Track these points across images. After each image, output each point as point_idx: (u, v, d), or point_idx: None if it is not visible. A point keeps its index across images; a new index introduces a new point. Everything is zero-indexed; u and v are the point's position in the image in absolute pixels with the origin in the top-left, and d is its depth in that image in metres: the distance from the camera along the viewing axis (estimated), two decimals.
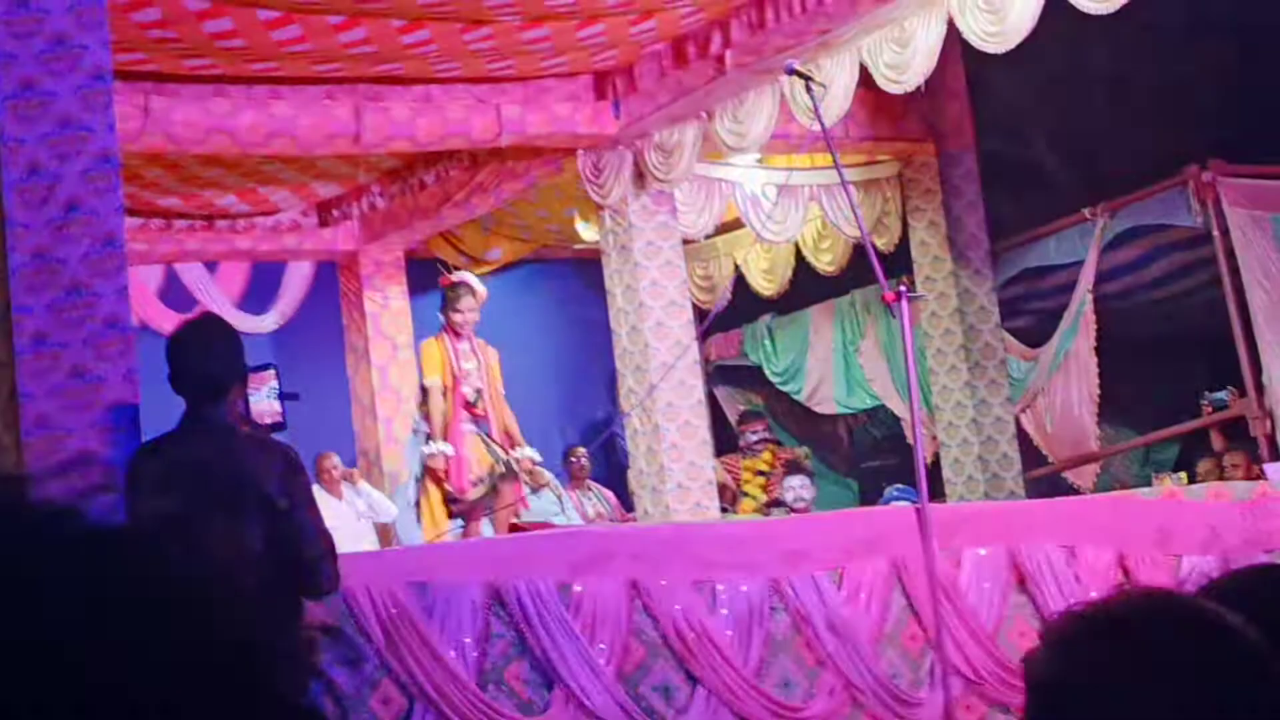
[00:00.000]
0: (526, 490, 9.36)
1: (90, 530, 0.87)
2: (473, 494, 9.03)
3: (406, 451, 9.83)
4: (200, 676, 0.85)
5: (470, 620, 6.30)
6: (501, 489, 9.08)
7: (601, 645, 6.47)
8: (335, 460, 11.22)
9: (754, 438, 12.38)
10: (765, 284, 13.06)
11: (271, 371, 9.24)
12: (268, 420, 8.72)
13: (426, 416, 9.20)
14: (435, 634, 6.19)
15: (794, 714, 6.83)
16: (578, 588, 6.53)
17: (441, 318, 9.33)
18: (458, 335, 9.18)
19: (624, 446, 11.75)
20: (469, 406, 9.09)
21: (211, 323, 5.33)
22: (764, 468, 12.10)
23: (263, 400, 8.87)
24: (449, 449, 9.01)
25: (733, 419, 13.59)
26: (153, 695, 0.83)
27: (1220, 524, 8.02)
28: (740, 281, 12.65)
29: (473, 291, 9.25)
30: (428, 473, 9.10)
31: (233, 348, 5.06)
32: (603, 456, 13.15)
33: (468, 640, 6.26)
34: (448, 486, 9.03)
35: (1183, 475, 10.97)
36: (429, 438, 9.12)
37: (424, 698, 6.13)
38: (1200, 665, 1.54)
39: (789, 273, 12.92)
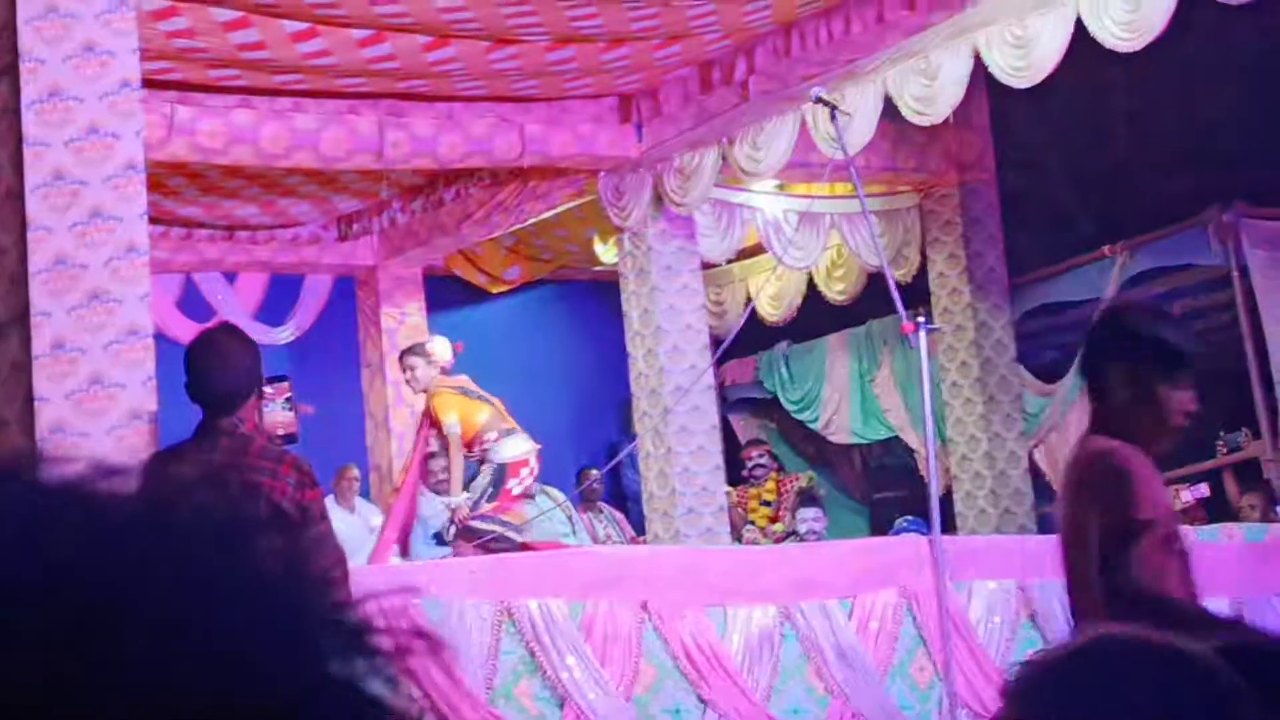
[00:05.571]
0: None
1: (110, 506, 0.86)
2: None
3: None
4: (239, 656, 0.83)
5: (481, 637, 6.30)
6: None
7: (612, 665, 6.46)
8: (356, 472, 11.25)
9: (760, 462, 12.30)
10: (771, 310, 12.97)
11: (286, 384, 9.24)
12: (280, 432, 8.72)
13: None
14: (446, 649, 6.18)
15: None
16: (589, 608, 6.52)
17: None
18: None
19: (630, 475, 11.72)
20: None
21: (230, 333, 5.32)
22: (769, 497, 12.05)
23: (276, 411, 8.87)
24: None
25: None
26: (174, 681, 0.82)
27: (1233, 565, 7.98)
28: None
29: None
30: None
31: (250, 358, 5.05)
32: (609, 482, 13.13)
33: (478, 656, 6.26)
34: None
35: (1203, 485, 10.89)
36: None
37: (434, 711, 6.12)
38: (1159, 702, 1.52)
39: (798, 300, 12.87)
